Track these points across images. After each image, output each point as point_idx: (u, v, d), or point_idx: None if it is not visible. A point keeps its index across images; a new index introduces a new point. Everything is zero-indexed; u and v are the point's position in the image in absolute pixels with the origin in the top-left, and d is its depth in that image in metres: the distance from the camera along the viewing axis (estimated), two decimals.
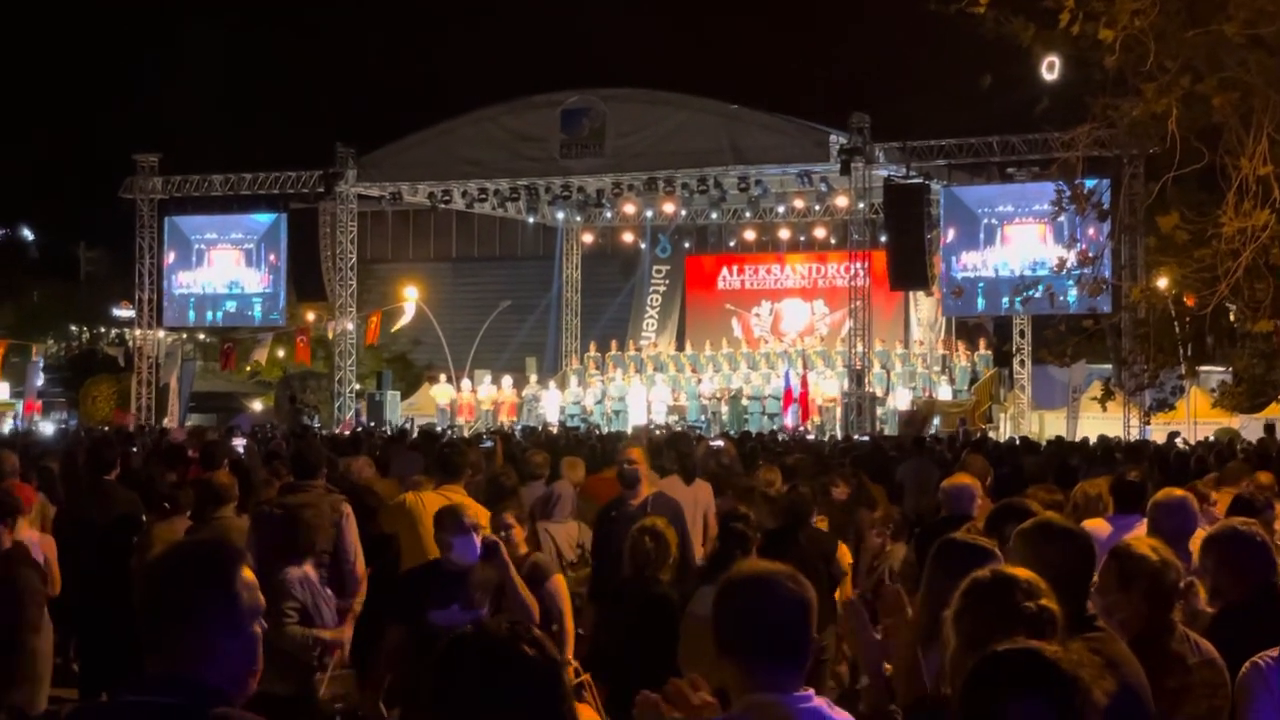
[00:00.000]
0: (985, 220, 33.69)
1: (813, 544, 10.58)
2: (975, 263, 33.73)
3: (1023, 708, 3.08)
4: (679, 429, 27.26)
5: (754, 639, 3.94)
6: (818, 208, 39.51)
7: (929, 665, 4.69)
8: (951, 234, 34.14)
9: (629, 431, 31.50)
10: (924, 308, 40.57)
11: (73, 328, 66.85)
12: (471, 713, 3.11)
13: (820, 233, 41.40)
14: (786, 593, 3.98)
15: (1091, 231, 22.97)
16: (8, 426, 39.60)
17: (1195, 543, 6.78)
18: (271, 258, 39.39)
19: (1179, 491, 7.68)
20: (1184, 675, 5.01)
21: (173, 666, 3.45)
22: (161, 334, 41.72)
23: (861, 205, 34.83)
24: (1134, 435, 29.38)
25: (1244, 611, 5.69)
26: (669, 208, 40.28)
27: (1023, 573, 4.29)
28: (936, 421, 33.66)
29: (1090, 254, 19.46)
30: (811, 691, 3.92)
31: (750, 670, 3.92)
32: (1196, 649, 5.20)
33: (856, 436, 28.71)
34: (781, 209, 40.55)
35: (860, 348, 34.90)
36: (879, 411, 34.76)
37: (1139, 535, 5.93)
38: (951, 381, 37.54)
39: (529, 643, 3.17)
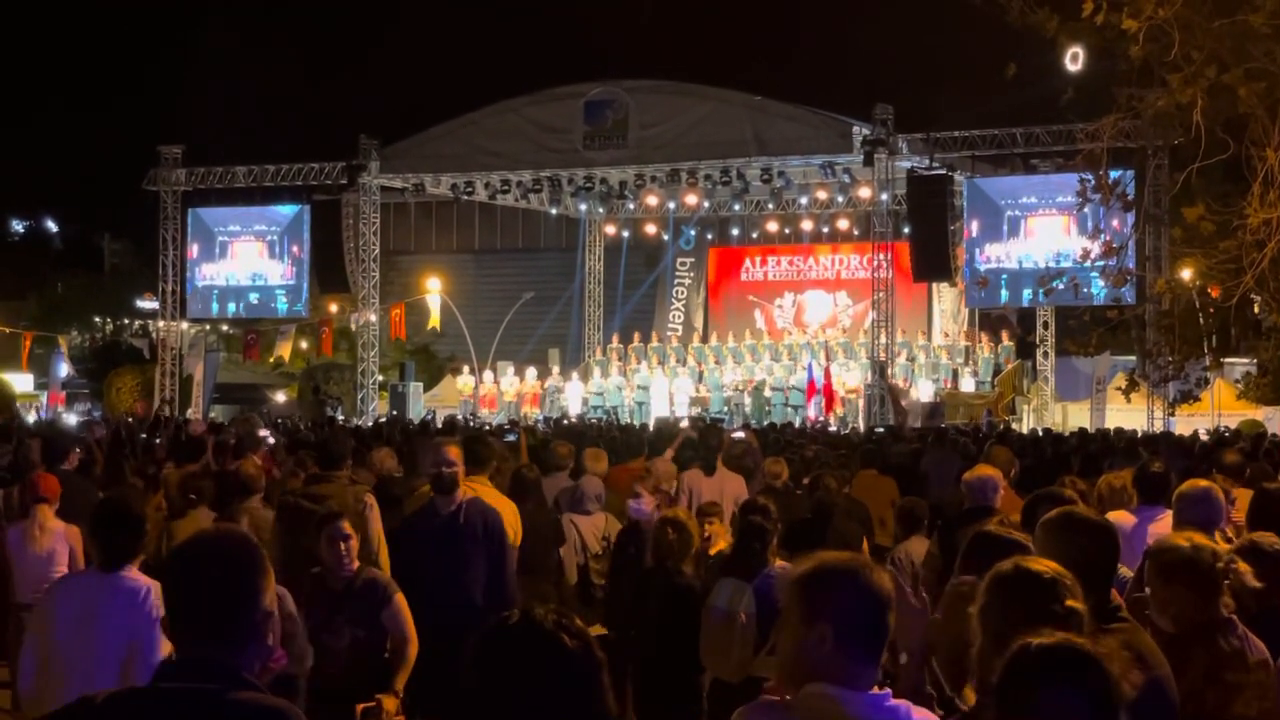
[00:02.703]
0: (1008, 212, 33.57)
1: (838, 536, 10.58)
2: (999, 254, 33.62)
3: (1055, 696, 3.15)
4: (708, 421, 27.17)
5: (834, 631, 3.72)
6: (841, 199, 39.43)
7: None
8: (975, 226, 34.04)
9: (651, 423, 31.53)
10: (947, 299, 40.46)
11: (97, 319, 67.05)
12: (509, 702, 3.12)
13: (843, 224, 41.32)
14: (866, 584, 3.78)
15: (1116, 222, 22.92)
16: (33, 417, 39.78)
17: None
18: (295, 249, 39.43)
19: (1203, 482, 7.64)
20: (1243, 672, 5.00)
21: (204, 653, 3.54)
22: (185, 325, 41.84)
23: (884, 196, 34.78)
24: (1158, 427, 29.26)
25: None
26: (692, 199, 40.25)
27: (1046, 566, 4.28)
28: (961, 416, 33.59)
29: (1115, 245, 19.43)
30: (889, 690, 3.73)
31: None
32: (1255, 648, 5.18)
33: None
34: (804, 200, 40.54)
35: (883, 339, 34.85)
36: (902, 403, 34.67)
37: (1171, 530, 5.89)
38: (975, 373, 37.47)
39: (571, 634, 3.17)
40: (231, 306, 41.11)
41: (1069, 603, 4.10)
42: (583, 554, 10.61)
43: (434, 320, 41.80)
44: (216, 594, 3.59)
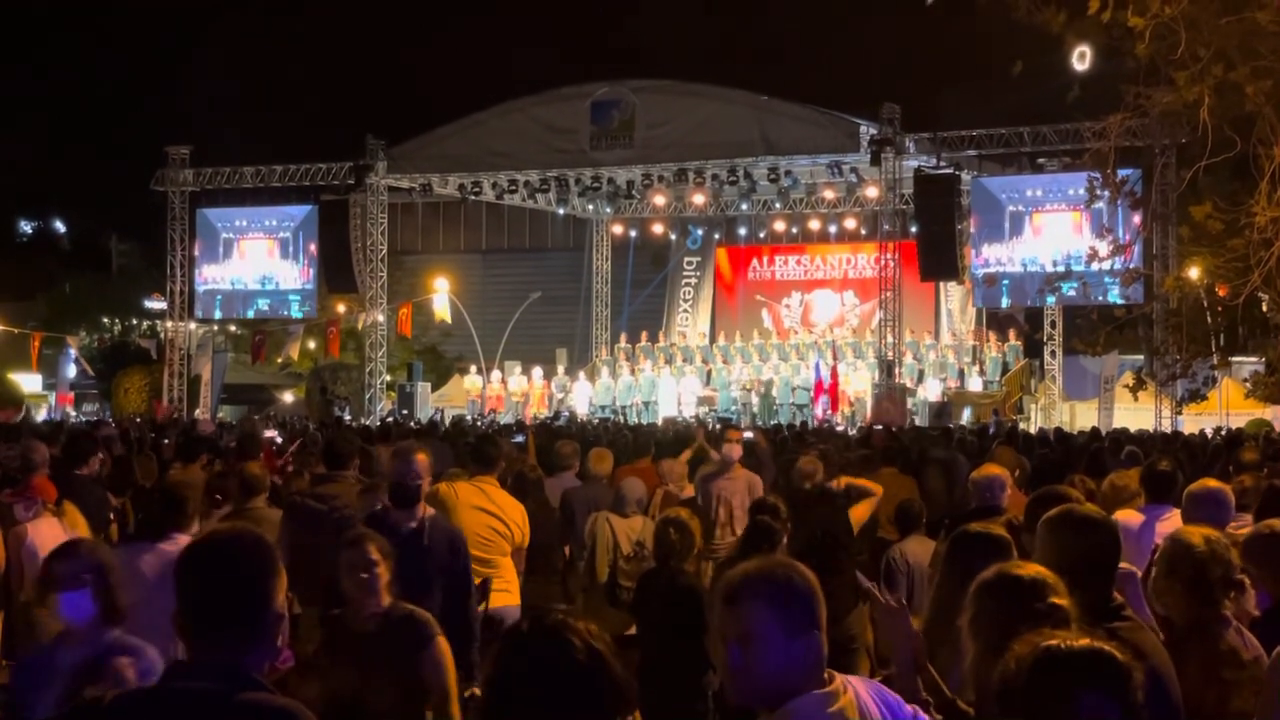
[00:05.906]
0: (1011, 208, 33.47)
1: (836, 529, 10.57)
2: (1000, 256, 33.57)
3: (1092, 700, 3.26)
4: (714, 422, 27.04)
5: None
6: (848, 198, 39.41)
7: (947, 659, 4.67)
8: (975, 224, 33.96)
9: (659, 423, 31.52)
10: (954, 298, 40.43)
11: (105, 320, 67.09)
12: (525, 700, 3.21)
13: (851, 223, 41.27)
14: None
15: (1137, 219, 22.89)
16: (42, 417, 39.84)
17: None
18: (311, 248, 39.36)
19: (1213, 482, 7.64)
20: (1238, 669, 5.03)
21: (214, 654, 3.55)
22: (193, 326, 41.88)
23: (892, 196, 34.75)
24: (1166, 426, 29.22)
25: None
26: (699, 199, 40.23)
27: (1029, 569, 4.31)
28: (967, 413, 33.57)
29: (1126, 242, 19.39)
30: (837, 685, 3.79)
31: None
32: (1249, 644, 5.21)
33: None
34: (812, 200, 40.50)
35: (890, 338, 34.82)
36: (909, 403, 34.62)
37: (1197, 526, 5.87)
38: (982, 372, 37.42)
39: (574, 634, 3.27)
40: (237, 310, 41.14)
41: (1053, 600, 4.13)
42: (615, 554, 10.59)
43: (441, 314, 41.76)
44: (228, 594, 3.60)
